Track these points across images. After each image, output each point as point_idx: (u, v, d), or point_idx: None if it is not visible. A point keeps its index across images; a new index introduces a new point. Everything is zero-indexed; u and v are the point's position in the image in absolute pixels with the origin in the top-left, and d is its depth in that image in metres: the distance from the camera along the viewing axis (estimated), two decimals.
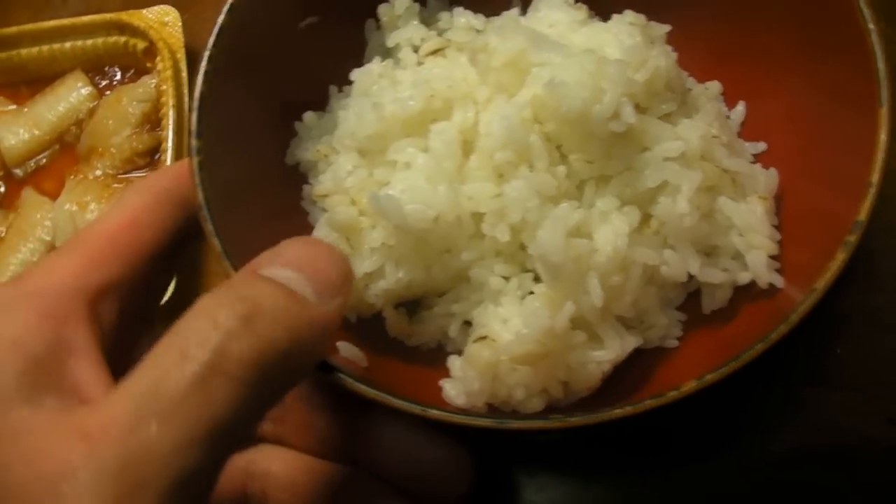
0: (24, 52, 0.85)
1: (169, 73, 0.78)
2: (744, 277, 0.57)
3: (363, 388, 0.47)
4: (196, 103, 0.55)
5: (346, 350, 0.54)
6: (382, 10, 0.65)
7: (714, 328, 0.58)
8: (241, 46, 0.58)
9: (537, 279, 0.57)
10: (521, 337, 0.52)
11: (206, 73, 0.56)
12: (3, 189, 0.83)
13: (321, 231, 0.59)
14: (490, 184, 0.56)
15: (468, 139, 0.58)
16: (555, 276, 0.53)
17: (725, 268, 0.57)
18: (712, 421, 0.64)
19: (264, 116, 0.62)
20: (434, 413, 0.46)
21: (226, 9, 0.57)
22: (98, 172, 0.80)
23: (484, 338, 0.55)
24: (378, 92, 0.61)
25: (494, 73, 0.58)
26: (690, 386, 0.48)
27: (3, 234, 0.80)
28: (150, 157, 0.80)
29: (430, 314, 0.60)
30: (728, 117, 0.64)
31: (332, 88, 0.66)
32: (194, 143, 0.54)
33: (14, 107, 0.85)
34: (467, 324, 0.59)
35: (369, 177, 0.59)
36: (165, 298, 0.71)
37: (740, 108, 0.64)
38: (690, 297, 0.59)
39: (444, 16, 0.66)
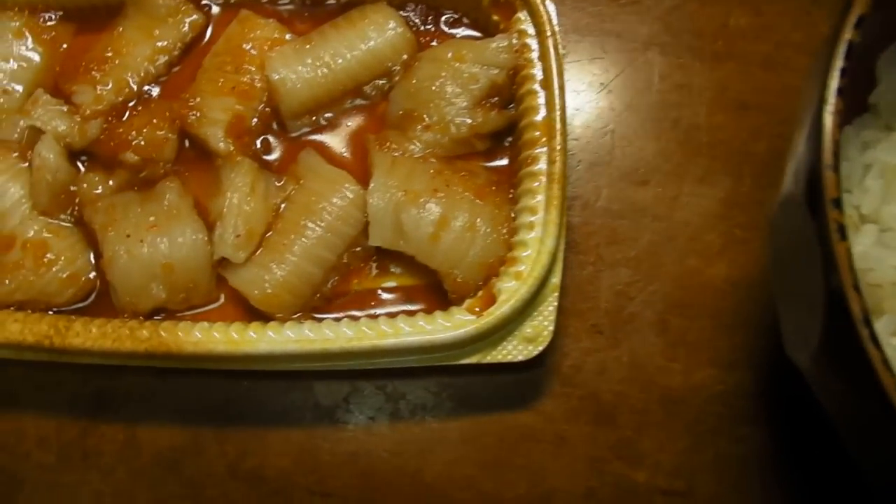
0: None
1: (548, 42, 0.59)
2: None
3: None
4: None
5: None
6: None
7: None
8: None
9: None
10: None
11: None
12: (279, 149, 0.62)
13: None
14: None
15: None
16: None
17: None
18: None
19: None
20: None
21: None
22: (414, 146, 0.60)
23: None
24: None
25: None
26: None
27: (280, 210, 0.60)
28: (493, 140, 0.61)
29: None
30: None
31: None
32: None
33: (290, 36, 0.64)
34: None
35: None
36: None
37: None
38: None
39: None
